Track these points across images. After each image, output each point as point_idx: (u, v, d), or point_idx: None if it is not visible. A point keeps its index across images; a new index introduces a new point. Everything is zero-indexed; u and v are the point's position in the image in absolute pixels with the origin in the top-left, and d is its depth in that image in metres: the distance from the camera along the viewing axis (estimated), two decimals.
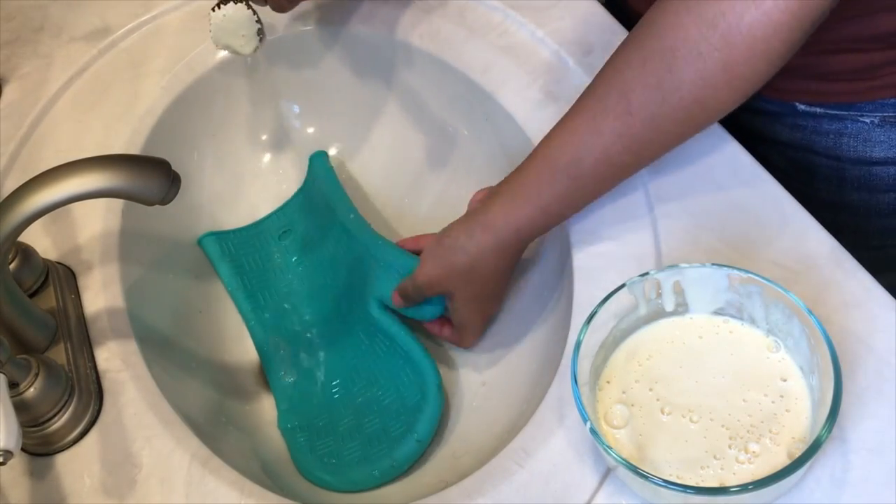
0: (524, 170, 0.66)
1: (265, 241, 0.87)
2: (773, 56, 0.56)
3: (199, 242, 0.86)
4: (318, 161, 0.89)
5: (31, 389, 0.61)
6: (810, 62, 0.71)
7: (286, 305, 0.83)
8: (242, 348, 0.83)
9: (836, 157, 0.77)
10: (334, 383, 0.77)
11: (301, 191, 0.89)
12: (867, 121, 0.74)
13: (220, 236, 0.86)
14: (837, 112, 0.75)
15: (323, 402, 0.76)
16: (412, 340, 0.75)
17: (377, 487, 0.71)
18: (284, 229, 0.87)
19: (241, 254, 0.85)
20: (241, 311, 0.83)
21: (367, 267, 0.78)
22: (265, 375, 0.80)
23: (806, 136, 0.77)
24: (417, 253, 0.75)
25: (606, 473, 0.56)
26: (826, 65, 0.72)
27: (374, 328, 0.77)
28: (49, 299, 0.69)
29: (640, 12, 0.77)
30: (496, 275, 0.70)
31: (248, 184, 0.90)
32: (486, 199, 0.68)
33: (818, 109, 0.75)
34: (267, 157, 0.92)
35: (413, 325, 0.77)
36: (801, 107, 0.76)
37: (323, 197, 0.86)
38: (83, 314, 0.70)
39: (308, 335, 0.81)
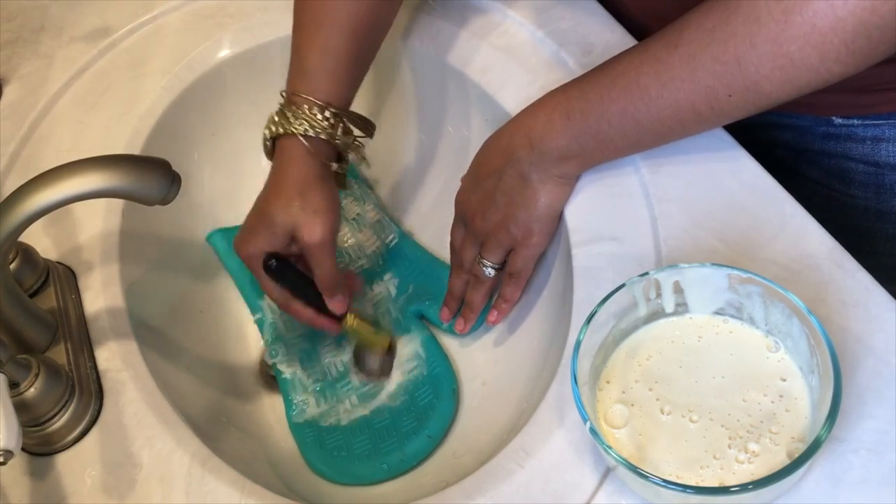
0: (572, 97, 0.65)
1: None
2: (830, 54, 0.55)
3: (208, 239, 0.86)
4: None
5: (32, 389, 0.61)
6: (853, 76, 0.70)
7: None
8: (242, 348, 0.83)
9: (874, 163, 0.75)
10: (345, 381, 0.78)
11: None
12: None
13: (229, 233, 0.86)
14: (875, 121, 0.73)
15: (332, 398, 0.77)
16: (436, 346, 0.77)
17: (384, 481, 0.71)
18: None
19: None
20: (249, 306, 0.83)
21: (411, 280, 0.81)
22: (273, 370, 0.80)
23: (840, 143, 0.76)
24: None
25: (606, 473, 0.56)
26: (864, 77, 0.70)
27: (396, 330, 0.78)
28: (49, 299, 0.69)
29: (636, 15, 0.77)
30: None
31: (248, 184, 0.90)
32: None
33: (855, 121, 0.74)
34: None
35: (435, 331, 0.79)
36: (838, 120, 0.75)
37: (362, 206, 0.87)
38: (83, 314, 0.70)
39: (319, 333, 0.81)
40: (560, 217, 0.70)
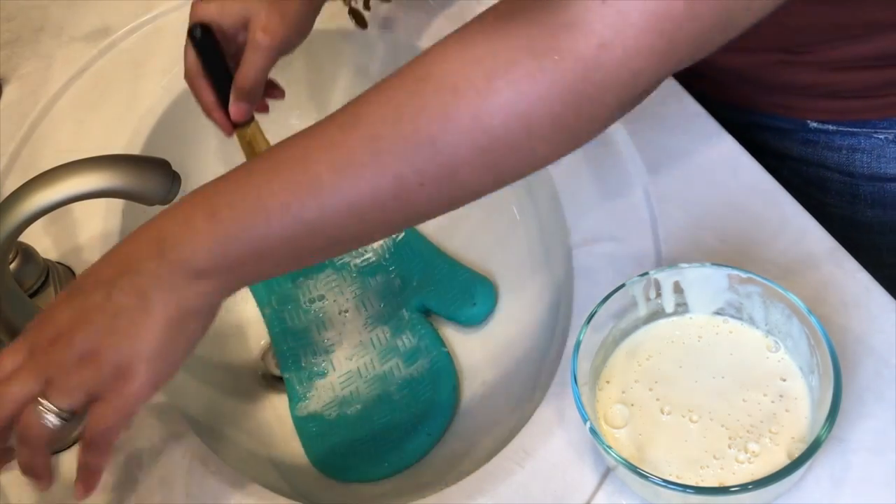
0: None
1: None
2: (536, 129, 0.47)
3: None
4: None
5: None
6: (821, 81, 0.70)
7: (301, 294, 0.83)
8: (242, 348, 0.83)
9: (849, 174, 0.75)
10: (347, 375, 0.78)
11: None
12: (881, 137, 0.73)
13: None
14: (850, 128, 0.73)
15: (335, 393, 0.77)
16: (438, 341, 0.77)
17: (384, 479, 0.71)
18: None
19: None
20: (256, 299, 0.84)
21: (416, 274, 0.80)
22: (278, 363, 0.80)
23: (818, 151, 0.76)
24: None
25: (606, 473, 0.56)
26: (838, 83, 0.71)
27: (399, 324, 0.78)
28: (49, 299, 0.69)
29: None
30: None
31: None
32: None
33: (830, 126, 0.74)
34: None
35: (439, 326, 0.79)
36: (813, 124, 0.75)
37: None
38: None
39: (322, 325, 0.81)
40: (179, 365, 0.53)
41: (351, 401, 0.76)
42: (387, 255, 0.84)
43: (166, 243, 0.50)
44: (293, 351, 0.80)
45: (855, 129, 0.73)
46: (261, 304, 0.83)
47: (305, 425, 0.76)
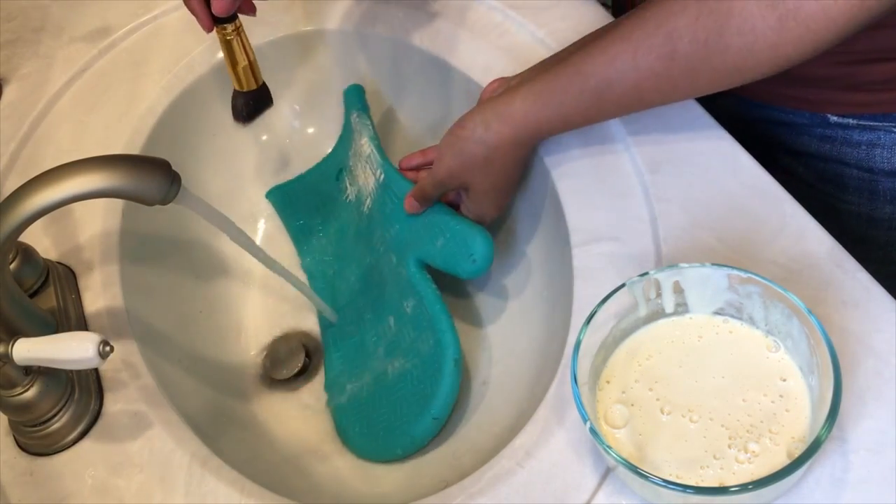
0: (553, 74, 0.66)
1: (325, 182, 0.89)
2: (822, 45, 0.57)
3: (267, 196, 0.90)
4: (354, 96, 0.87)
5: (32, 389, 0.61)
6: (842, 73, 0.70)
7: (335, 261, 0.85)
8: (242, 348, 0.83)
9: (868, 169, 0.75)
10: (373, 352, 0.79)
11: (343, 133, 0.89)
12: None
13: (283, 188, 0.90)
14: (870, 122, 0.73)
15: (360, 375, 0.78)
16: (439, 305, 0.73)
17: (404, 460, 0.73)
18: (339, 168, 0.88)
19: (303, 202, 0.87)
20: (304, 269, 0.87)
21: (408, 223, 0.77)
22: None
23: (836, 147, 0.76)
24: (425, 165, 0.77)
25: (606, 473, 0.56)
26: (858, 75, 0.71)
27: (406, 287, 0.76)
28: (49, 299, 0.69)
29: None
30: (512, 166, 0.70)
31: (248, 184, 0.91)
32: (507, 92, 0.68)
33: (850, 120, 0.74)
34: (267, 157, 0.92)
35: (443, 290, 0.76)
36: (833, 118, 0.75)
37: (359, 140, 0.85)
38: (83, 314, 0.70)
39: (352, 297, 0.82)
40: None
41: (371, 383, 0.76)
42: (379, 201, 0.82)
43: (509, 118, 0.67)
44: (335, 333, 0.81)
45: (875, 124, 0.73)
46: (311, 279, 0.86)
47: (341, 410, 0.78)
